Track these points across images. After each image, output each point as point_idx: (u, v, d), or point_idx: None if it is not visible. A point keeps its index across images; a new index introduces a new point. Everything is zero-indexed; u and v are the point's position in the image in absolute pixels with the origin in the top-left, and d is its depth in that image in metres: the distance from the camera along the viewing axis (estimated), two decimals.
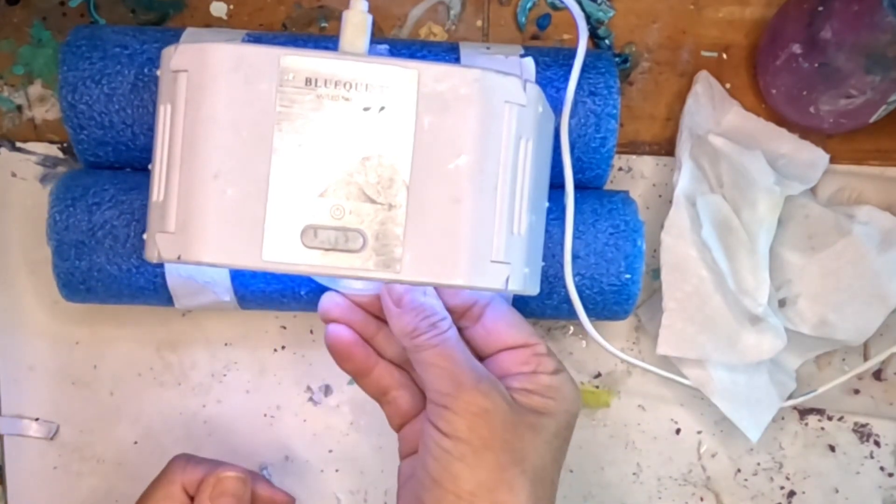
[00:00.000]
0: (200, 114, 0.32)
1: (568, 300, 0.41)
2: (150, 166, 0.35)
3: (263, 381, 0.48)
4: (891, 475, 0.50)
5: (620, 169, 0.49)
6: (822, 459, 0.50)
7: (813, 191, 0.48)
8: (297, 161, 0.32)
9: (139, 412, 0.48)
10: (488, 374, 0.36)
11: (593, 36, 0.48)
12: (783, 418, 0.49)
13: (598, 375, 0.49)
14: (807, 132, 0.48)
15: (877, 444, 0.50)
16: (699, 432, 0.49)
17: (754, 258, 0.44)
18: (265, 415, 0.48)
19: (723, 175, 0.45)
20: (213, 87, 0.32)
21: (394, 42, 0.43)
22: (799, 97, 0.45)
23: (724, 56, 0.48)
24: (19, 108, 0.47)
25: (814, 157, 0.47)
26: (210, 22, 0.47)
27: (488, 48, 0.42)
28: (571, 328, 0.49)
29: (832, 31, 0.42)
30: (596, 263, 0.42)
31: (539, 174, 0.37)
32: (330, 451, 0.49)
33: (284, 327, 0.48)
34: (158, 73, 0.35)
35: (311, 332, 0.48)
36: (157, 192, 0.34)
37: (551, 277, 0.41)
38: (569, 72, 0.40)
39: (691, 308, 0.44)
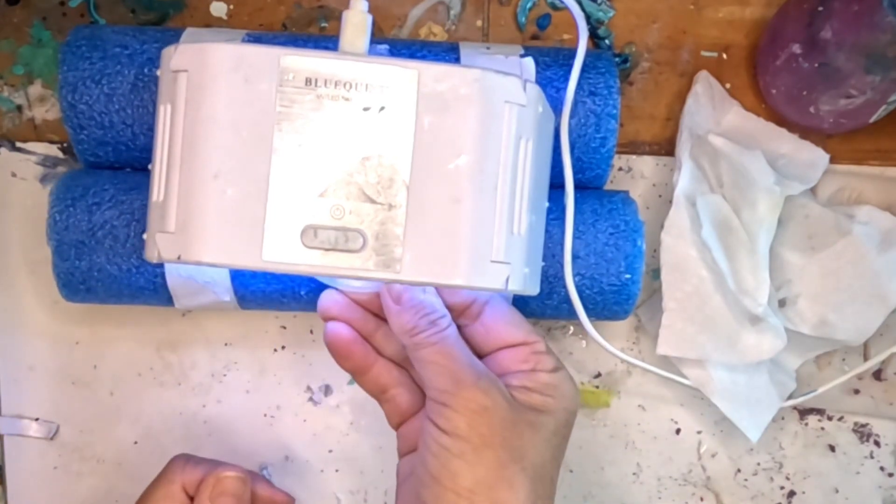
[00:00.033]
0: (200, 114, 0.32)
1: (568, 300, 0.41)
2: (150, 166, 0.35)
3: (263, 381, 0.48)
4: (891, 475, 0.50)
5: (620, 169, 0.49)
6: (822, 459, 0.50)
7: (813, 191, 0.48)
8: (297, 161, 0.32)
9: (139, 412, 0.48)
10: (488, 371, 0.36)
11: (593, 36, 0.48)
12: (783, 418, 0.49)
13: (598, 375, 0.49)
14: (807, 132, 0.48)
15: (877, 444, 0.50)
16: (699, 432, 0.49)
17: (754, 258, 0.44)
18: (265, 415, 0.48)
19: (723, 175, 0.45)
20: (213, 87, 0.32)
21: (394, 42, 0.43)
22: (799, 97, 0.45)
23: (724, 56, 0.48)
24: (19, 108, 0.47)
25: (814, 157, 0.47)
26: (210, 22, 0.47)
27: (488, 48, 0.42)
28: (571, 328, 0.49)
29: (832, 31, 0.42)
30: (596, 263, 0.42)
31: (539, 174, 0.37)
32: (330, 451, 0.49)
33: (284, 327, 0.48)
34: (158, 73, 0.35)
35: (311, 332, 0.48)
36: (157, 192, 0.34)
37: (551, 277, 0.41)
38: (569, 72, 0.40)
39: (691, 308, 0.44)
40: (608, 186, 0.46)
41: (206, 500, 0.40)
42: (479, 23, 0.48)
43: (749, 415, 0.46)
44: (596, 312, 0.43)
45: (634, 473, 0.49)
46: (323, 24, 0.48)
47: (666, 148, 0.49)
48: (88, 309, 0.47)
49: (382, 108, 0.32)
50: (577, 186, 0.41)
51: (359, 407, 0.48)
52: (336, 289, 0.39)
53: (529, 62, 0.41)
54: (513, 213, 0.34)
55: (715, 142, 0.45)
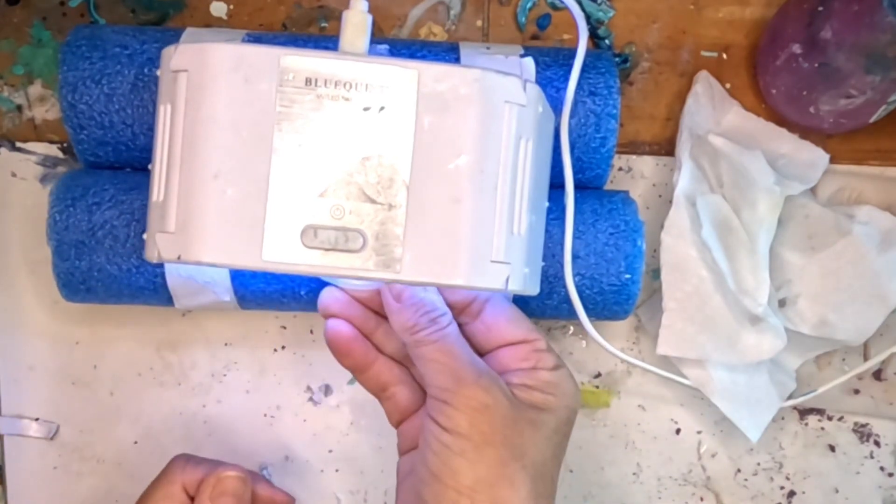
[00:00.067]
0: (200, 114, 0.32)
1: (568, 300, 0.41)
2: (150, 166, 0.35)
3: (263, 381, 0.48)
4: (891, 475, 0.50)
5: (620, 169, 0.49)
6: (822, 459, 0.50)
7: (813, 191, 0.48)
8: (297, 161, 0.32)
9: (139, 412, 0.48)
10: (488, 369, 0.36)
11: (593, 36, 0.48)
12: (783, 418, 0.49)
13: (598, 375, 0.49)
14: (807, 132, 0.48)
15: (877, 444, 0.50)
16: (699, 432, 0.49)
17: (754, 258, 0.44)
18: (265, 415, 0.48)
19: (723, 175, 0.45)
20: (213, 87, 0.32)
21: (394, 42, 0.43)
22: (799, 97, 0.45)
23: (724, 56, 0.48)
24: (19, 108, 0.47)
25: (814, 157, 0.47)
26: (210, 22, 0.47)
27: (488, 48, 0.42)
28: (571, 328, 0.49)
29: (832, 31, 0.42)
30: (596, 263, 0.42)
31: (539, 174, 0.37)
32: (330, 451, 0.49)
33: (284, 327, 0.48)
34: (158, 73, 0.35)
35: (311, 332, 0.48)
36: (157, 192, 0.34)
37: (551, 277, 0.41)
38: (569, 72, 0.40)
39: (691, 308, 0.44)
40: (608, 186, 0.46)
41: (207, 499, 0.40)
42: (479, 23, 0.48)
43: (749, 415, 0.46)
44: (596, 312, 0.43)
45: (634, 473, 0.49)
46: (323, 24, 0.48)
47: (666, 148, 0.49)
48: (88, 309, 0.47)
49: (382, 108, 0.32)
50: (577, 186, 0.41)
51: (359, 407, 0.48)
52: (336, 286, 0.39)
53: (529, 62, 0.41)
54: (513, 213, 0.34)
55: (715, 142, 0.45)
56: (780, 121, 0.48)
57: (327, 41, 0.42)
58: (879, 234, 0.46)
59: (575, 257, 0.41)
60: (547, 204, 0.39)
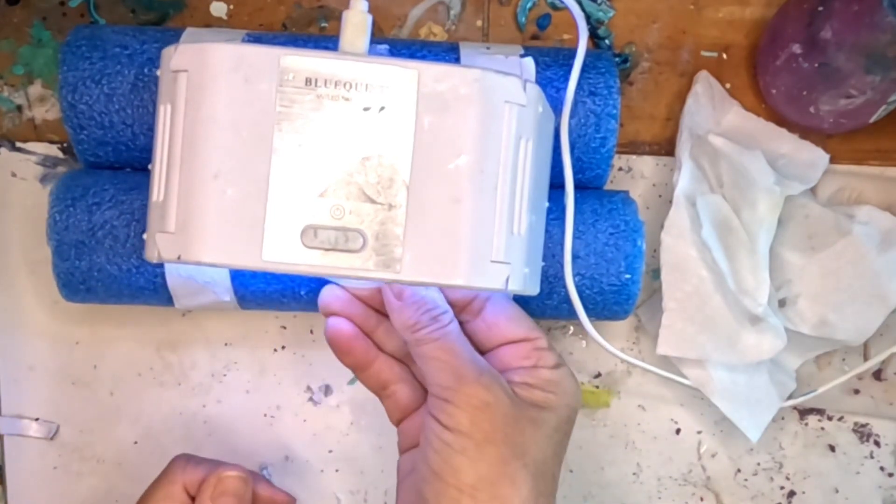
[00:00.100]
0: (200, 114, 0.32)
1: (568, 300, 0.41)
2: (150, 166, 0.35)
3: (263, 381, 0.48)
4: (891, 475, 0.50)
5: (620, 169, 0.49)
6: (822, 459, 0.50)
7: (813, 191, 0.48)
8: (297, 161, 0.32)
9: (139, 412, 0.48)
10: (489, 367, 0.36)
11: (593, 36, 0.48)
12: (783, 418, 0.49)
13: (598, 375, 0.49)
14: (807, 132, 0.48)
15: (877, 444, 0.50)
16: (699, 432, 0.49)
17: (754, 258, 0.44)
18: (265, 415, 0.48)
19: (723, 175, 0.45)
20: (213, 87, 0.32)
21: (394, 42, 0.43)
22: (799, 97, 0.45)
23: (724, 56, 0.48)
24: (19, 108, 0.47)
25: (814, 157, 0.47)
26: (210, 22, 0.47)
27: (488, 48, 0.42)
28: (571, 328, 0.49)
29: (832, 31, 0.42)
30: (596, 263, 0.42)
31: (539, 174, 0.37)
32: (330, 451, 0.49)
33: (284, 327, 0.48)
34: (158, 73, 0.35)
35: (311, 332, 0.48)
36: (157, 192, 0.34)
37: (551, 277, 0.41)
38: (569, 72, 0.40)
39: (691, 308, 0.44)
40: (608, 186, 0.46)
41: (208, 499, 0.40)
42: (479, 23, 0.48)
43: (749, 415, 0.46)
44: (596, 312, 0.43)
45: (634, 473, 0.49)
46: (323, 24, 0.48)
47: (666, 148, 0.49)
48: (88, 309, 0.47)
49: (382, 108, 0.32)
50: (577, 186, 0.41)
51: (359, 407, 0.48)
52: (337, 284, 0.39)
53: (529, 62, 0.41)
54: (513, 213, 0.34)
55: (715, 142, 0.45)
56: (780, 121, 0.48)
57: (327, 41, 0.42)
58: (879, 234, 0.46)
59: (575, 257, 0.41)
60: (547, 204, 0.39)
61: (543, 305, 0.43)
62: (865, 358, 0.49)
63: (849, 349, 0.49)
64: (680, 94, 0.48)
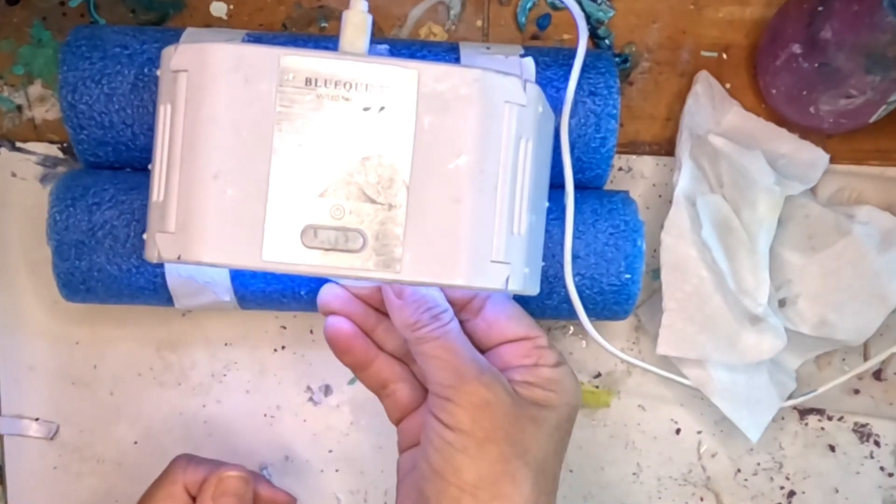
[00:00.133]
0: (200, 114, 0.32)
1: (568, 300, 0.41)
2: (150, 166, 0.35)
3: (263, 381, 0.48)
4: (891, 475, 0.50)
5: (620, 169, 0.49)
6: (822, 459, 0.50)
7: (813, 191, 0.48)
8: (297, 161, 0.32)
9: (139, 412, 0.48)
10: (490, 366, 0.36)
11: (593, 36, 0.48)
12: (783, 418, 0.49)
13: (598, 375, 0.49)
14: (807, 132, 0.48)
15: (877, 444, 0.50)
16: (699, 432, 0.49)
17: (754, 258, 0.44)
18: (265, 415, 0.48)
19: (723, 175, 0.45)
20: (213, 87, 0.32)
21: (394, 42, 0.43)
22: (799, 97, 0.45)
23: (724, 56, 0.48)
24: (19, 108, 0.47)
25: (814, 157, 0.47)
26: (210, 22, 0.47)
27: (488, 48, 0.42)
28: (571, 328, 0.49)
29: (832, 31, 0.42)
30: (596, 263, 0.42)
31: (539, 174, 0.37)
32: (330, 451, 0.49)
33: (284, 327, 0.48)
34: (158, 73, 0.35)
35: (311, 332, 0.48)
36: (157, 192, 0.34)
37: (551, 277, 0.41)
38: (569, 72, 0.40)
39: (691, 308, 0.44)
40: (608, 186, 0.46)
41: (209, 499, 0.40)
42: (479, 23, 0.48)
43: (749, 415, 0.46)
44: (596, 312, 0.43)
45: (634, 473, 0.49)
46: (323, 24, 0.48)
47: (666, 148, 0.49)
48: (88, 309, 0.47)
49: (382, 108, 0.32)
50: (577, 186, 0.41)
51: (359, 407, 0.48)
52: (337, 283, 0.39)
53: (529, 62, 0.41)
54: (513, 213, 0.34)
55: (715, 142, 0.45)
56: (780, 121, 0.48)
57: (327, 41, 0.42)
58: (879, 234, 0.46)
59: (575, 257, 0.41)
60: (547, 204, 0.39)
61: (543, 305, 0.43)
62: (865, 358, 0.49)
63: (849, 349, 0.49)
64: (680, 94, 0.48)
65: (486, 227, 0.33)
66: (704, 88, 0.47)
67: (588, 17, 0.48)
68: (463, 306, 0.38)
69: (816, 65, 0.43)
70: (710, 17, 0.48)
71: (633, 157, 0.49)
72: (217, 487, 0.40)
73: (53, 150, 0.47)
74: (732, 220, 0.45)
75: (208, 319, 0.48)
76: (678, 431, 0.49)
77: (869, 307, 0.46)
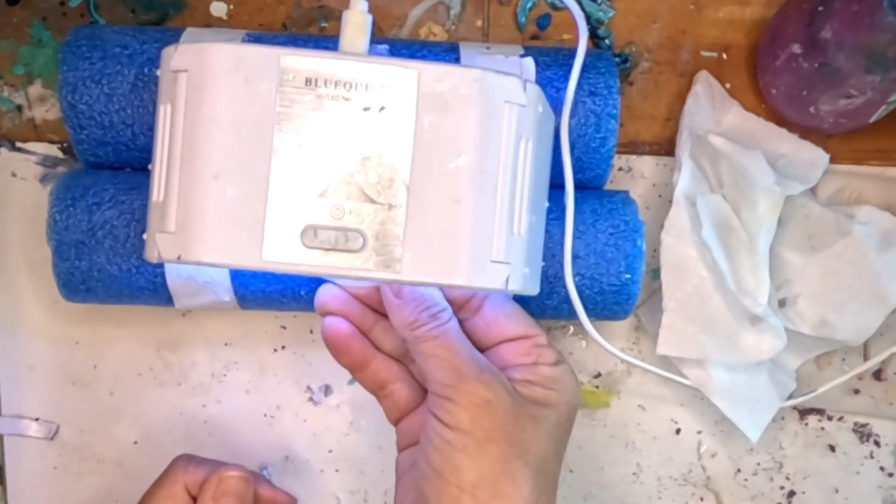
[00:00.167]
0: (200, 114, 0.32)
1: (568, 300, 0.41)
2: (150, 166, 0.35)
3: (263, 381, 0.48)
4: (891, 475, 0.50)
5: (620, 169, 0.49)
6: (822, 459, 0.50)
7: (813, 191, 0.48)
8: (297, 161, 0.32)
9: (139, 412, 0.48)
10: (490, 365, 0.36)
11: (593, 36, 0.48)
12: (783, 418, 0.49)
13: (598, 375, 0.49)
14: (807, 132, 0.48)
15: (877, 444, 0.50)
16: (699, 432, 0.49)
17: (754, 258, 0.44)
18: (265, 415, 0.48)
19: (723, 175, 0.45)
20: (213, 87, 0.32)
21: (394, 42, 0.43)
22: (799, 97, 0.45)
23: (724, 56, 0.48)
24: (19, 108, 0.47)
25: (814, 157, 0.47)
26: (210, 22, 0.47)
27: (488, 48, 0.42)
28: (571, 328, 0.49)
29: (832, 31, 0.42)
30: (596, 263, 0.42)
31: (539, 174, 0.37)
32: (330, 451, 0.49)
33: (284, 327, 0.48)
34: (158, 73, 0.35)
35: (311, 332, 0.48)
36: (157, 192, 0.34)
37: (551, 277, 0.41)
38: (569, 72, 0.40)
39: (691, 308, 0.44)
40: (608, 186, 0.46)
41: (210, 500, 0.40)
42: (479, 23, 0.48)
43: (749, 415, 0.46)
44: (596, 312, 0.43)
45: (634, 473, 0.49)
46: (323, 24, 0.48)
47: (666, 148, 0.49)
48: (88, 309, 0.47)
49: (382, 108, 0.32)
50: (577, 186, 0.41)
51: (359, 407, 0.48)
52: (334, 283, 0.38)
53: (529, 62, 0.41)
54: (513, 213, 0.34)
55: (715, 142, 0.45)
56: (780, 121, 0.48)
57: (327, 41, 0.42)
58: (879, 234, 0.46)
59: (575, 257, 0.41)
60: (547, 204, 0.39)
61: (543, 305, 0.43)
62: (865, 358, 0.49)
63: (849, 349, 0.49)
64: (680, 94, 0.48)
65: (486, 227, 0.33)
66: (704, 88, 0.47)
67: (588, 17, 0.48)
68: (461, 305, 0.38)
69: (816, 65, 0.43)
70: (710, 17, 0.48)
71: (633, 157, 0.49)
72: (218, 487, 0.40)
73: (53, 150, 0.47)
74: (732, 220, 0.45)
75: (208, 319, 0.48)
76: (678, 431, 0.49)
77: (869, 307, 0.46)
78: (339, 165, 0.32)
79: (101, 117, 0.41)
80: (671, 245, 0.44)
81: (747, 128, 0.47)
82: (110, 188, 0.41)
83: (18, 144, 0.47)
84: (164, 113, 0.34)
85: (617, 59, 0.48)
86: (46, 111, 0.47)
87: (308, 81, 0.32)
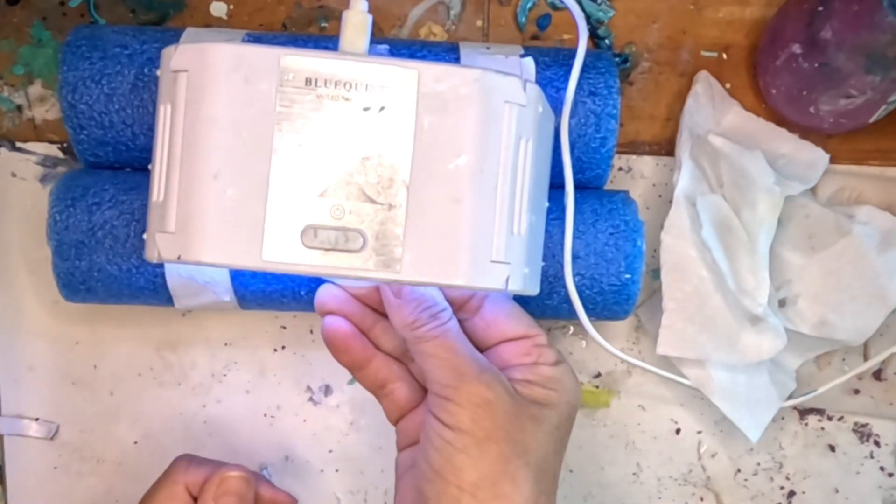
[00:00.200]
0: (200, 114, 0.32)
1: (568, 300, 0.41)
2: (150, 166, 0.35)
3: (263, 381, 0.48)
4: (891, 475, 0.50)
5: (620, 169, 0.49)
6: (822, 459, 0.50)
7: (813, 191, 0.48)
8: (297, 161, 0.32)
9: (139, 412, 0.48)
10: (490, 365, 0.36)
11: (593, 36, 0.48)
12: (783, 418, 0.49)
13: (598, 375, 0.49)
14: (807, 132, 0.48)
15: (877, 444, 0.50)
16: (699, 432, 0.49)
17: (754, 258, 0.44)
18: (265, 415, 0.48)
19: (723, 175, 0.45)
20: (213, 87, 0.32)
21: (394, 42, 0.43)
22: (799, 97, 0.45)
23: (724, 56, 0.48)
24: (19, 108, 0.47)
25: (814, 157, 0.47)
26: (210, 22, 0.47)
27: (488, 48, 0.42)
28: (571, 328, 0.49)
29: (832, 31, 0.42)
30: (596, 263, 0.42)
31: (539, 174, 0.37)
32: (330, 451, 0.49)
33: (284, 327, 0.48)
34: (158, 73, 0.35)
35: (311, 331, 0.48)
36: (157, 192, 0.34)
37: (551, 277, 0.41)
38: (569, 72, 0.40)
39: (691, 308, 0.44)
40: (608, 186, 0.46)
41: (210, 500, 0.40)
42: (479, 23, 0.48)
43: (749, 415, 0.46)
44: (596, 312, 0.43)
45: (634, 473, 0.49)
46: (323, 24, 0.48)
47: (666, 148, 0.49)
48: (88, 309, 0.47)
49: (382, 108, 0.32)
50: (577, 186, 0.41)
51: (359, 407, 0.48)
52: (334, 283, 0.38)
53: (529, 62, 0.41)
54: (513, 213, 0.34)
55: (715, 142, 0.45)
56: (780, 121, 0.48)
57: (327, 41, 0.42)
58: (879, 234, 0.46)
59: (575, 257, 0.41)
60: (547, 204, 0.39)
61: (543, 305, 0.43)
62: (865, 358, 0.49)
63: (849, 349, 0.49)
64: (680, 94, 0.48)
65: (486, 227, 0.33)
66: (704, 88, 0.47)
67: (588, 17, 0.48)
68: (461, 305, 0.38)
69: (816, 65, 0.43)
70: (710, 17, 0.48)
71: (633, 157, 0.49)
72: (219, 488, 0.40)
73: (53, 150, 0.47)
74: (732, 220, 0.45)
75: (208, 319, 0.48)
76: (678, 431, 0.49)
77: (869, 307, 0.46)
78: (339, 165, 0.32)
79: (101, 117, 0.41)
80: (671, 245, 0.44)
81: (747, 128, 0.47)
82: (110, 188, 0.41)
83: (18, 144, 0.47)
84: (164, 113, 0.34)
85: (617, 59, 0.48)
86: (46, 111, 0.47)
87: (308, 81, 0.32)
